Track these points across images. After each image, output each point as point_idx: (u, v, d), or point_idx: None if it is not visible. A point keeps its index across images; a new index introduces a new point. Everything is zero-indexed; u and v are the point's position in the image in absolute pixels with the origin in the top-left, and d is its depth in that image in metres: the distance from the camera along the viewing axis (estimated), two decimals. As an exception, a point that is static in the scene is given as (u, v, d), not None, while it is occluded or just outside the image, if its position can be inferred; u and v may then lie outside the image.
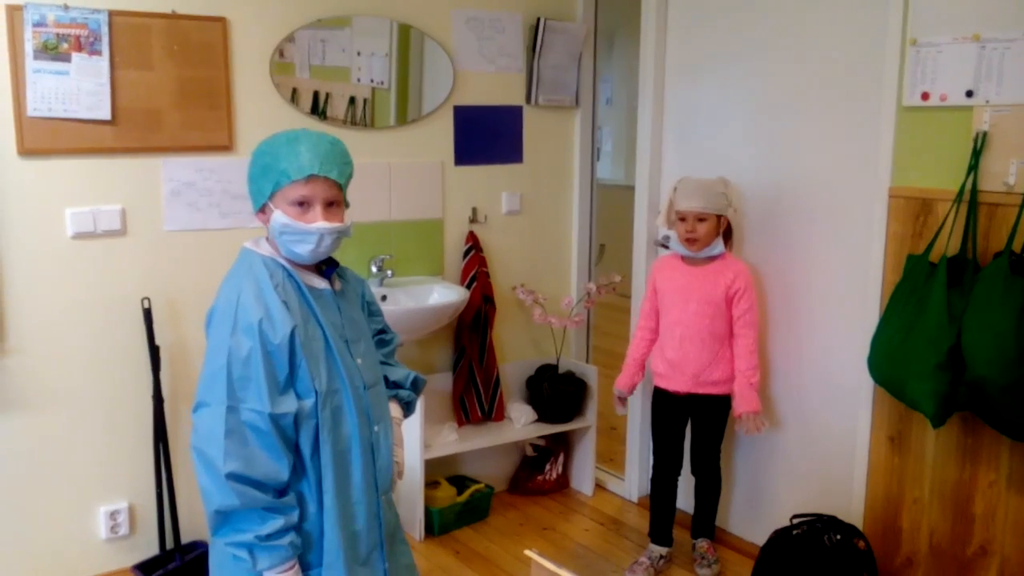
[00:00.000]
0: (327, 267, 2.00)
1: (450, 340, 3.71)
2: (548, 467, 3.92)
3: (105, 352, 3.00)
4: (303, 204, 1.86)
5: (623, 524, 3.66)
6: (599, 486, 3.97)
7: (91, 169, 2.91)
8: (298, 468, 1.88)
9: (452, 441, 3.59)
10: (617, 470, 4.00)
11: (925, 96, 2.68)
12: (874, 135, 2.83)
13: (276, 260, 1.91)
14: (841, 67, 2.95)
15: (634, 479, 3.85)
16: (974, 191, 2.56)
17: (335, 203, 1.90)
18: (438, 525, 3.51)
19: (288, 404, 1.82)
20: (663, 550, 3.28)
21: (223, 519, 1.80)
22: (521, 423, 3.77)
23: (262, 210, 1.92)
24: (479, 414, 3.73)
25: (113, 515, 3.07)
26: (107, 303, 2.98)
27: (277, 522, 1.81)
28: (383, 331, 2.22)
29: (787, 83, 3.13)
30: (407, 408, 2.20)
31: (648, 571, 3.21)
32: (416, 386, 2.22)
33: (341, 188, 1.92)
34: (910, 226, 2.76)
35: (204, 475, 1.79)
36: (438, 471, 3.64)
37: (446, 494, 3.57)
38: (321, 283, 1.96)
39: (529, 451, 3.95)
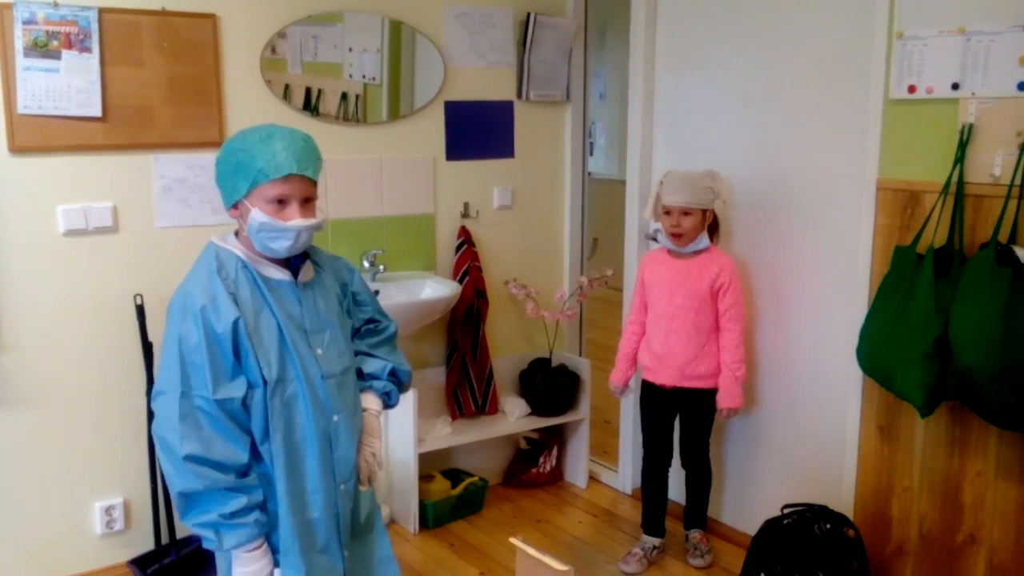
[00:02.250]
0: (295, 258, 2.02)
1: (443, 334, 3.72)
2: (542, 460, 3.94)
3: (98, 348, 3.01)
4: (280, 202, 1.89)
5: (617, 516, 3.68)
6: (593, 478, 3.99)
7: (82, 166, 2.92)
8: (255, 452, 1.93)
9: (446, 435, 3.61)
10: (611, 462, 4.02)
11: (912, 89, 2.70)
12: (861, 128, 2.85)
13: (233, 253, 1.95)
14: (829, 60, 2.97)
15: (627, 471, 3.87)
16: (960, 183, 2.58)
17: (310, 199, 1.94)
18: (432, 518, 3.52)
19: (233, 390, 1.87)
20: (656, 541, 3.30)
21: (188, 501, 1.86)
22: (515, 416, 3.79)
23: (234, 206, 1.95)
24: (473, 408, 3.75)
25: (108, 510, 3.08)
26: (99, 300, 2.99)
27: (240, 500, 1.86)
28: (373, 320, 2.23)
29: (775, 77, 3.14)
30: (387, 398, 2.20)
31: (642, 562, 3.24)
32: (397, 376, 2.22)
33: (316, 184, 1.96)
34: (897, 218, 2.78)
35: (165, 459, 1.86)
36: (432, 465, 3.66)
37: (440, 487, 3.59)
38: (280, 274, 1.99)
39: (523, 444, 3.98)
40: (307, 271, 2.05)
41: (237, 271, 1.93)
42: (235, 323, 1.86)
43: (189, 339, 1.85)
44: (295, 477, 1.95)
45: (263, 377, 1.90)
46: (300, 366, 1.94)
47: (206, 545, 1.90)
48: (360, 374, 2.15)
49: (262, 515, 1.91)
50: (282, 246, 1.92)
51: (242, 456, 1.88)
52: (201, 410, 1.85)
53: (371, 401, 2.16)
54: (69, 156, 2.89)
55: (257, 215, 1.89)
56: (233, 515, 1.85)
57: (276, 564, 1.96)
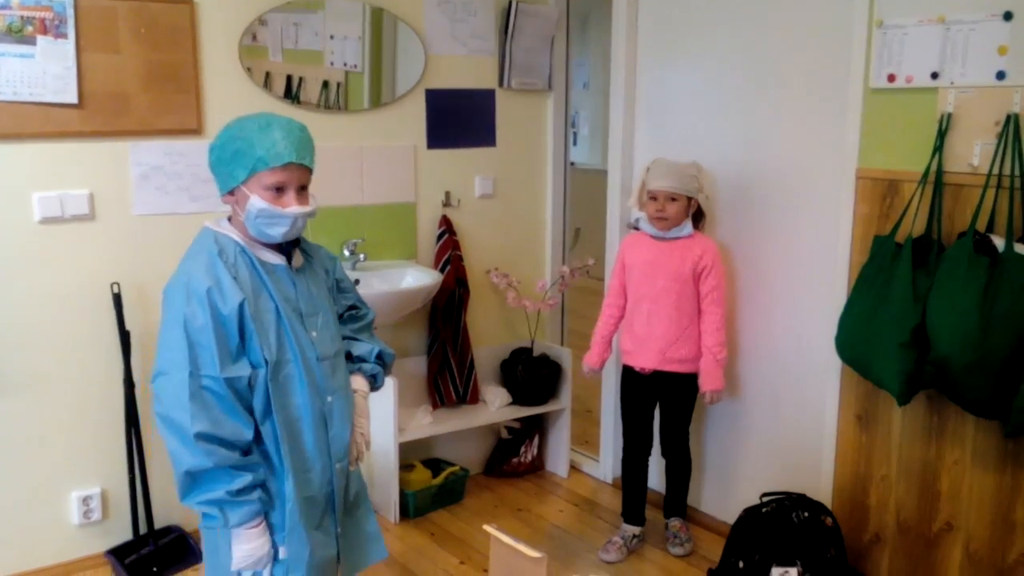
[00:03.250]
0: (287, 243, 2.05)
1: (424, 324, 3.71)
2: (523, 449, 3.94)
3: (75, 337, 2.98)
4: (279, 189, 1.94)
5: (597, 505, 3.69)
6: (574, 468, 4.00)
7: (58, 153, 2.89)
8: (258, 431, 1.97)
9: (427, 424, 3.60)
10: (592, 452, 4.03)
11: (891, 78, 2.70)
12: (841, 117, 2.85)
13: (230, 237, 1.99)
14: (809, 49, 2.97)
15: (608, 461, 3.88)
16: (939, 172, 2.59)
17: (305, 187, 2.00)
18: (413, 508, 3.52)
19: (240, 369, 1.92)
20: (636, 529, 3.31)
21: (192, 480, 1.88)
22: (496, 406, 3.78)
23: (231, 192, 1.99)
24: (454, 397, 3.74)
25: (86, 500, 3.06)
26: (76, 288, 2.97)
27: (245, 478, 1.91)
28: (355, 307, 2.29)
29: (757, 66, 3.14)
30: (374, 380, 2.27)
31: (621, 550, 3.24)
32: (383, 359, 2.28)
33: (311, 172, 2.01)
34: (877, 207, 2.78)
35: (173, 439, 1.87)
36: (413, 454, 3.65)
37: (421, 477, 3.58)
38: (276, 259, 2.03)
39: (504, 434, 3.97)
40: (298, 257, 2.10)
41: (236, 255, 1.97)
42: (241, 305, 1.91)
43: (195, 320, 1.88)
44: (295, 456, 2.00)
45: (264, 358, 1.94)
46: (297, 348, 1.99)
47: (208, 524, 1.93)
48: (349, 356, 2.21)
49: (263, 493, 1.96)
50: (279, 232, 1.96)
51: (248, 434, 1.92)
52: (209, 390, 1.88)
53: (360, 383, 2.22)
54: (45, 143, 2.86)
55: (256, 201, 1.93)
56: (239, 492, 1.89)
57: (273, 543, 2.00)
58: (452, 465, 3.71)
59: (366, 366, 2.24)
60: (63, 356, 2.98)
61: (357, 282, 3.33)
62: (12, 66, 2.74)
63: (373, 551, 2.25)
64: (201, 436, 1.85)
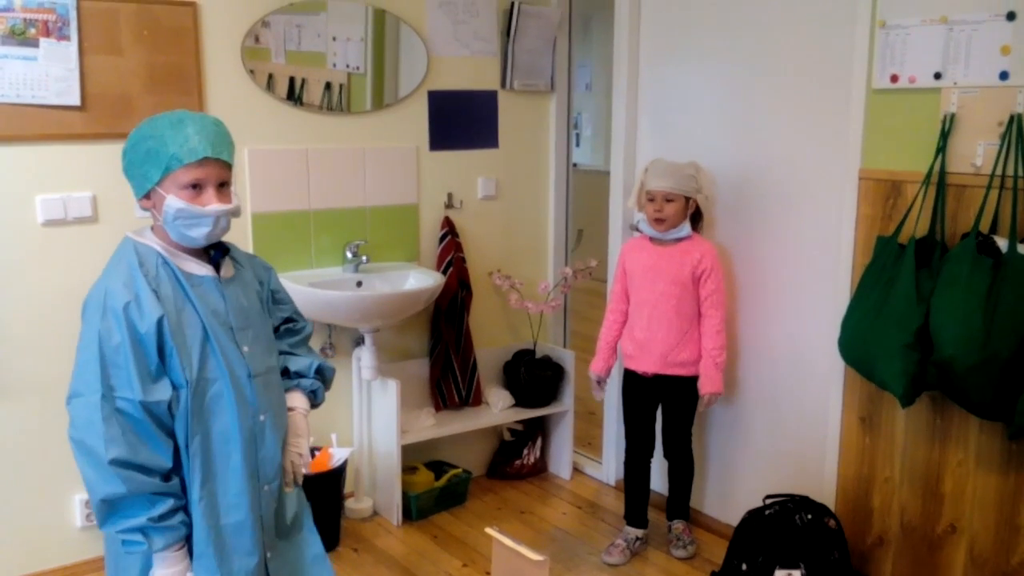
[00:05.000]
0: (215, 252, 1.96)
1: (426, 326, 3.71)
2: (526, 451, 3.94)
3: (77, 340, 2.97)
4: (196, 187, 1.83)
5: (600, 507, 3.68)
6: (577, 470, 3.99)
7: (61, 155, 2.89)
8: (178, 456, 1.87)
9: (429, 426, 3.60)
10: (595, 454, 4.02)
11: (894, 78, 2.69)
12: (844, 117, 2.85)
13: (151, 248, 1.89)
14: (812, 50, 2.96)
15: (611, 463, 3.87)
16: (942, 173, 2.58)
17: (226, 183, 1.89)
18: (416, 510, 3.52)
19: (160, 392, 1.81)
20: (639, 532, 3.30)
21: (110, 508, 1.79)
22: (499, 408, 3.78)
23: (147, 196, 1.88)
24: (456, 399, 3.74)
25: (88, 503, 3.05)
26: (80, 290, 2.90)
27: (167, 503, 1.82)
28: (291, 320, 2.19)
29: (759, 67, 3.14)
30: (313, 397, 2.16)
31: (624, 553, 3.24)
32: (322, 374, 2.18)
33: (230, 168, 1.91)
34: (880, 208, 2.78)
35: (87, 465, 1.77)
36: (416, 456, 3.65)
37: (424, 479, 3.58)
38: (202, 270, 1.92)
39: (507, 436, 3.97)
40: (228, 267, 1.98)
41: (158, 267, 1.86)
42: (159, 322, 1.80)
43: (110, 339, 1.78)
44: (212, 481, 1.89)
45: (185, 378, 1.84)
46: (225, 365, 1.88)
47: (130, 549, 1.82)
48: (286, 372, 2.11)
49: (185, 515, 1.87)
50: (200, 233, 1.85)
51: (166, 460, 1.82)
52: (124, 412, 1.78)
53: (298, 400, 2.12)
54: (48, 145, 2.86)
55: (173, 201, 1.82)
56: (162, 517, 1.80)
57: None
58: (455, 467, 3.70)
59: (304, 382, 2.13)
60: (67, 358, 2.92)
61: (360, 284, 3.36)
62: (15, 68, 2.75)
63: (316, 575, 2.11)
64: (116, 462, 1.74)
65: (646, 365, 3.16)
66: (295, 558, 2.08)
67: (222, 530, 1.91)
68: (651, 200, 3.08)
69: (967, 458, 2.66)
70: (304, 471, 2.10)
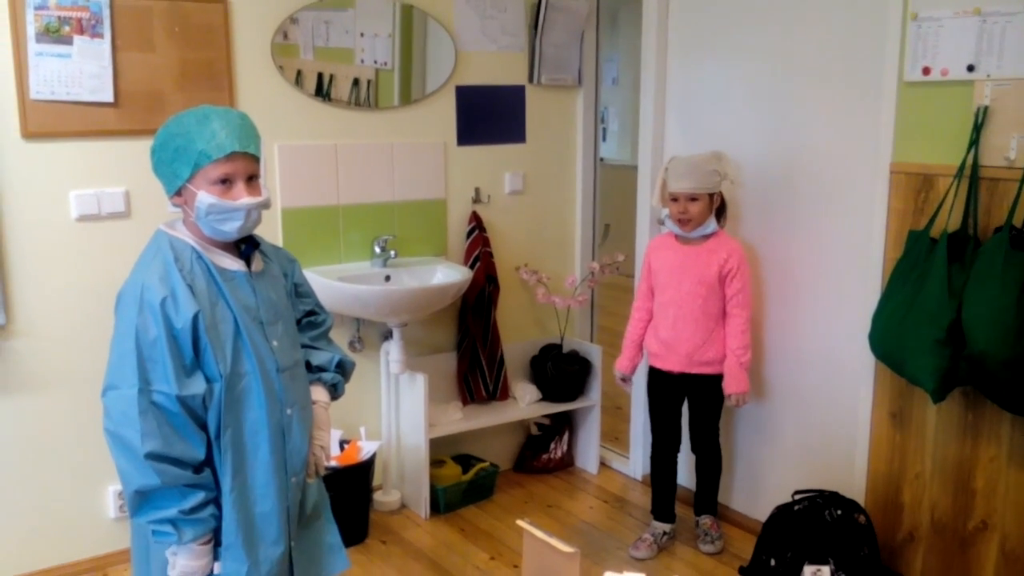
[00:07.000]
0: (246, 246, 1.97)
1: (454, 320, 3.73)
2: (553, 446, 3.94)
3: (110, 333, 3.01)
4: (225, 182, 1.85)
5: (627, 502, 3.68)
6: (603, 464, 3.99)
7: (95, 152, 2.93)
8: (209, 448, 1.89)
9: (457, 420, 3.61)
10: (621, 448, 4.02)
11: (926, 71, 2.67)
12: (875, 111, 2.82)
13: (186, 242, 1.90)
14: (842, 43, 2.94)
15: (638, 457, 3.87)
16: (975, 166, 2.55)
17: (254, 176, 1.90)
18: (444, 503, 3.54)
19: (195, 386, 1.83)
20: (666, 527, 3.30)
21: (143, 499, 1.81)
22: (526, 402, 3.79)
23: (178, 193, 1.90)
24: (484, 393, 3.75)
25: (122, 494, 3.10)
26: (112, 285, 2.94)
27: (198, 496, 1.84)
28: (313, 312, 2.20)
29: (788, 60, 3.12)
30: (333, 390, 2.19)
31: (651, 548, 3.24)
32: (343, 368, 2.20)
33: (258, 161, 1.92)
34: (911, 202, 2.75)
35: (122, 457, 1.80)
36: (443, 450, 3.66)
37: (451, 472, 3.60)
38: (234, 264, 1.94)
39: (534, 430, 3.98)
40: (257, 261, 2.00)
41: (192, 262, 1.88)
42: (195, 317, 1.82)
43: (147, 333, 1.80)
44: (243, 472, 1.92)
45: (219, 372, 1.86)
46: (256, 359, 1.90)
47: (160, 540, 1.85)
48: (307, 366, 2.12)
49: (215, 508, 1.89)
50: (233, 227, 1.87)
51: (200, 452, 1.85)
52: (160, 406, 1.80)
53: (320, 393, 2.14)
54: (81, 141, 2.90)
55: (205, 197, 1.83)
56: (193, 510, 1.83)
57: (216, 557, 1.92)
58: (482, 461, 3.72)
59: (326, 376, 2.15)
60: (100, 351, 2.97)
61: (388, 279, 3.37)
62: (50, 66, 2.79)
63: (332, 562, 2.15)
64: (151, 455, 1.77)
65: (672, 364, 3.15)
66: (313, 545, 2.12)
67: (251, 521, 1.93)
68: (674, 200, 3.06)
69: (999, 454, 2.63)
70: (326, 463, 2.13)
